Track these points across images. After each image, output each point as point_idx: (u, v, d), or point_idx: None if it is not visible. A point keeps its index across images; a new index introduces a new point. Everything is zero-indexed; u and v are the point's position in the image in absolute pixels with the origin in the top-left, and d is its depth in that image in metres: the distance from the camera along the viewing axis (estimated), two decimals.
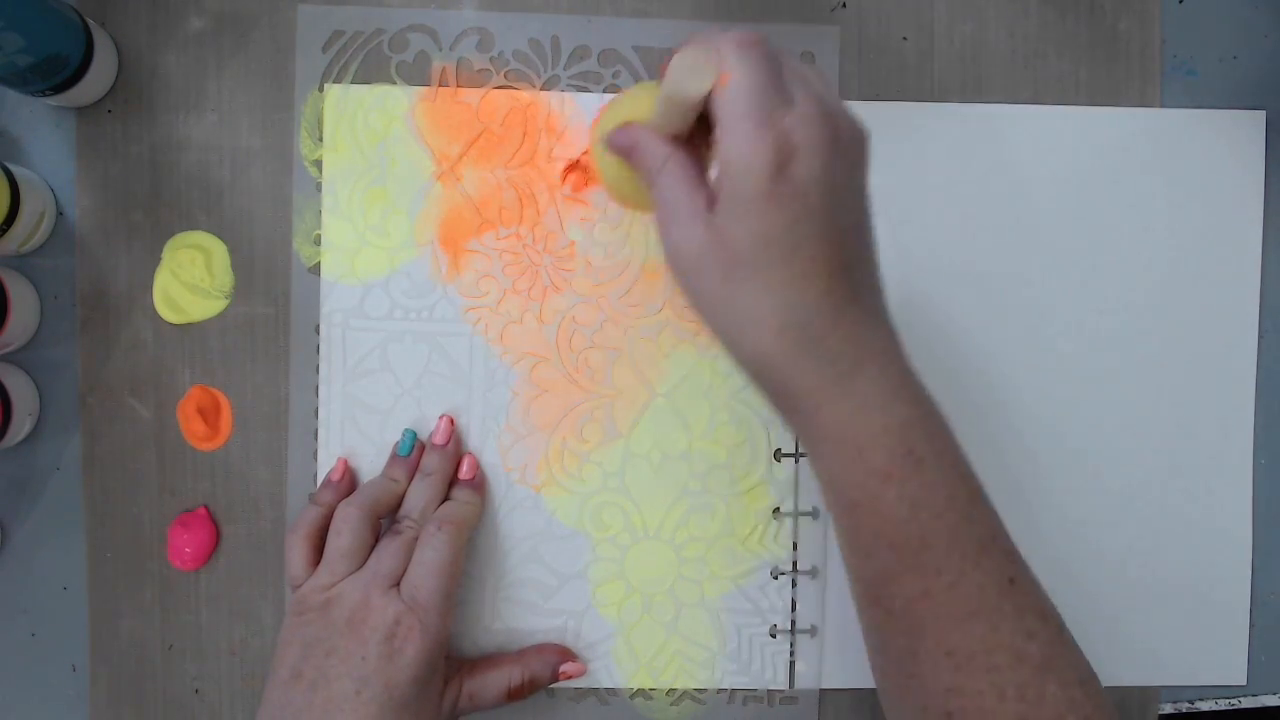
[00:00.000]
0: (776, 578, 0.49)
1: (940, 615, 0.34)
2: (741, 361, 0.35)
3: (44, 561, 0.48)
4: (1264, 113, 0.50)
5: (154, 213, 0.48)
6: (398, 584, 0.43)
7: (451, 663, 0.45)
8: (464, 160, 0.48)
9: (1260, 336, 0.50)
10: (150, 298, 0.48)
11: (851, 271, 0.34)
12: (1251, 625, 0.50)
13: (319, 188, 0.48)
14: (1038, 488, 0.49)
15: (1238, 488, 0.50)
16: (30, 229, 0.46)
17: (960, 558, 0.34)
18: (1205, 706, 0.50)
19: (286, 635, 0.42)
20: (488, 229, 0.48)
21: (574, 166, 0.48)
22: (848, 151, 0.34)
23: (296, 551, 0.44)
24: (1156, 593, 0.50)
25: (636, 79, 0.48)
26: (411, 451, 0.47)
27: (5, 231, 0.44)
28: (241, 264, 0.48)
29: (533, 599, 0.48)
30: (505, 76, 0.48)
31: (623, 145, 0.37)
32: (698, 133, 0.35)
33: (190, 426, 0.48)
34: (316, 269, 0.48)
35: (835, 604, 0.49)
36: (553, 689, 0.49)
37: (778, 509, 0.49)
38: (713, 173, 0.34)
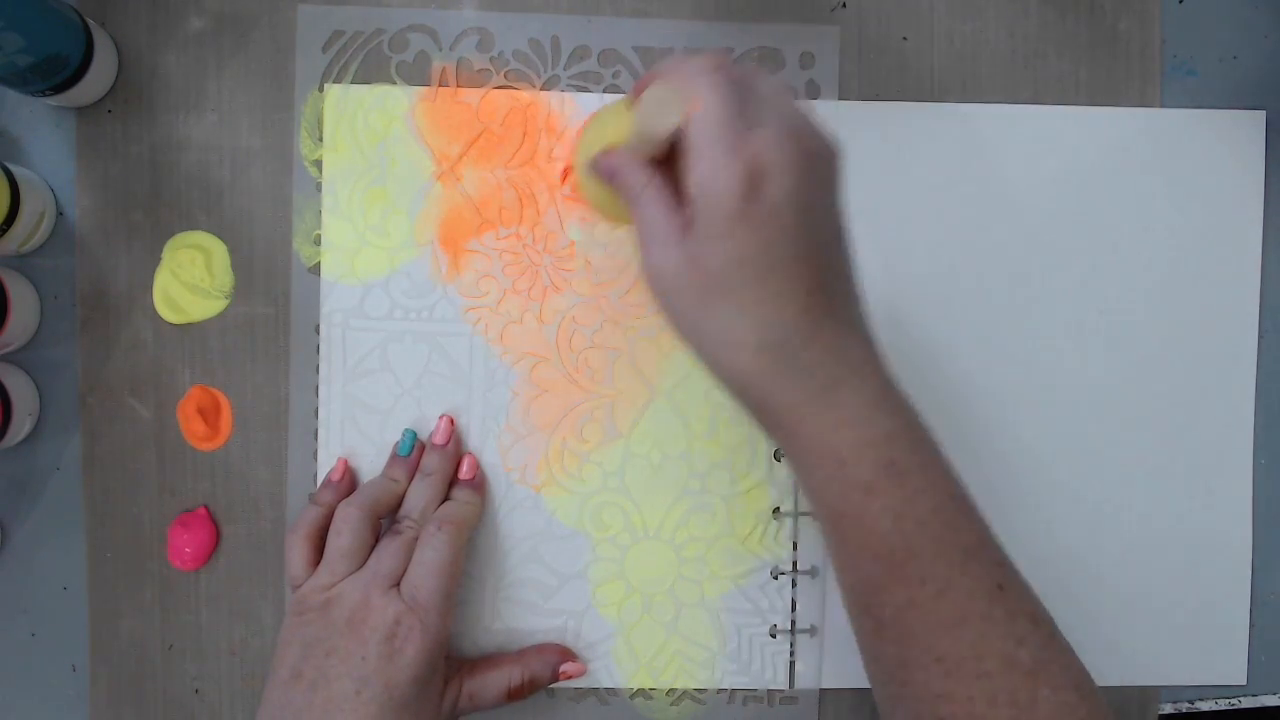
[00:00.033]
0: (776, 578, 0.49)
1: (928, 623, 0.34)
2: (722, 380, 0.36)
3: (44, 561, 0.48)
4: (1264, 113, 0.50)
5: (154, 213, 0.48)
6: (398, 584, 0.43)
7: (451, 663, 0.45)
8: (464, 160, 0.48)
9: (1260, 336, 0.50)
10: (150, 298, 0.48)
11: (828, 287, 0.35)
12: (1251, 625, 0.50)
13: (319, 188, 0.48)
14: (1037, 488, 0.49)
15: (1238, 488, 0.50)
16: (30, 229, 0.46)
17: (946, 566, 0.34)
18: (1205, 706, 0.50)
19: (286, 635, 0.42)
20: (488, 229, 0.48)
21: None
22: (819, 169, 0.35)
23: (296, 551, 0.44)
24: (1157, 593, 0.50)
25: (636, 79, 0.48)
26: (411, 451, 0.47)
27: (5, 231, 0.44)
28: (241, 264, 0.48)
29: (533, 599, 0.48)
30: (505, 76, 0.48)
31: (605, 171, 0.38)
32: (676, 154, 0.36)
33: (190, 426, 0.48)
34: (316, 269, 0.48)
35: (835, 604, 0.49)
36: (553, 689, 0.49)
37: (778, 509, 0.49)
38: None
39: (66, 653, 0.49)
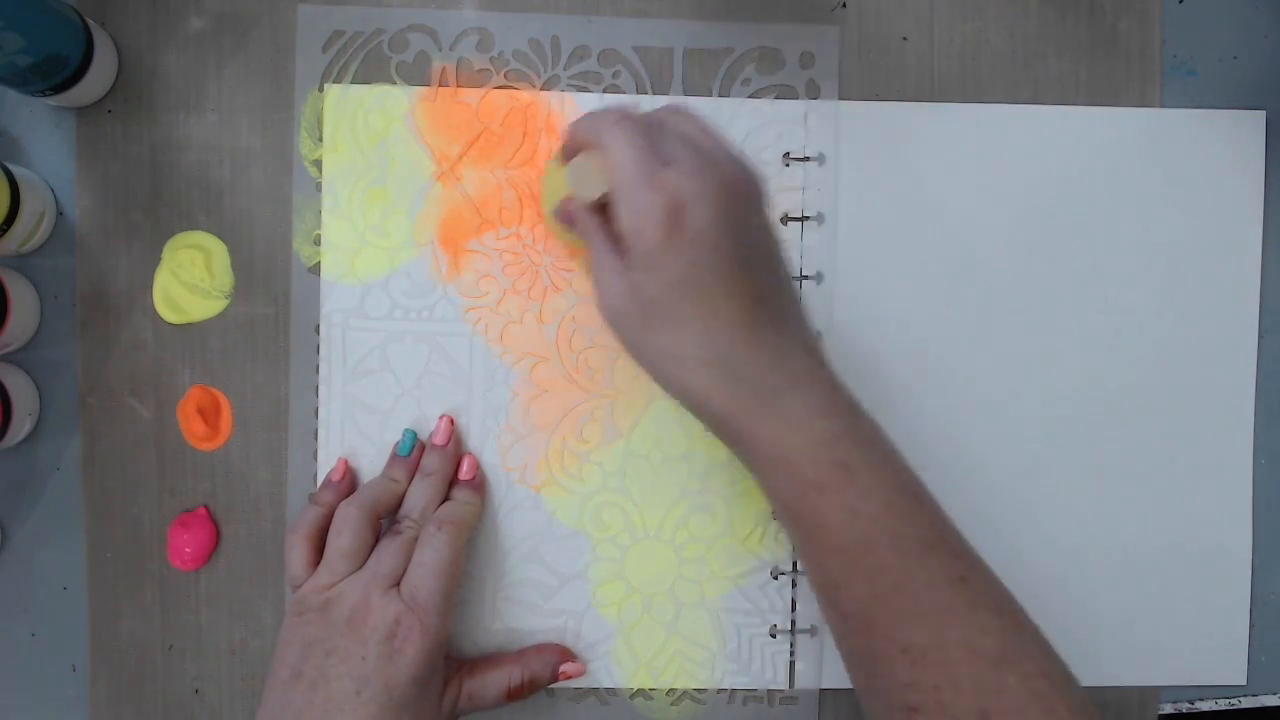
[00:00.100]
0: (776, 578, 0.49)
1: (891, 615, 0.36)
2: (676, 397, 0.38)
3: (44, 561, 0.48)
4: (1264, 113, 0.50)
5: (154, 213, 0.48)
6: (398, 584, 0.43)
7: (451, 663, 0.45)
8: (464, 160, 0.48)
9: (1260, 336, 0.50)
10: (150, 298, 0.48)
11: (765, 301, 0.37)
12: (1251, 625, 0.50)
13: (319, 188, 0.48)
14: (1037, 487, 0.49)
15: (1238, 488, 0.50)
16: (30, 229, 0.46)
17: (903, 559, 0.36)
18: (1205, 706, 0.50)
19: (286, 635, 0.42)
20: (488, 229, 0.48)
21: None
22: (740, 193, 0.38)
23: (296, 551, 0.44)
24: (1156, 592, 0.50)
25: (636, 79, 0.48)
26: (411, 451, 0.47)
27: (5, 231, 0.44)
28: (241, 264, 0.48)
29: (533, 599, 0.48)
30: (505, 76, 0.48)
31: (563, 218, 0.42)
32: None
33: (190, 426, 0.48)
34: (316, 269, 0.48)
35: None
36: (553, 689, 0.49)
37: None
38: None
39: (66, 653, 0.49)
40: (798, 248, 0.49)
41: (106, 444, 0.48)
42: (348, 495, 0.46)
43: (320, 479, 0.48)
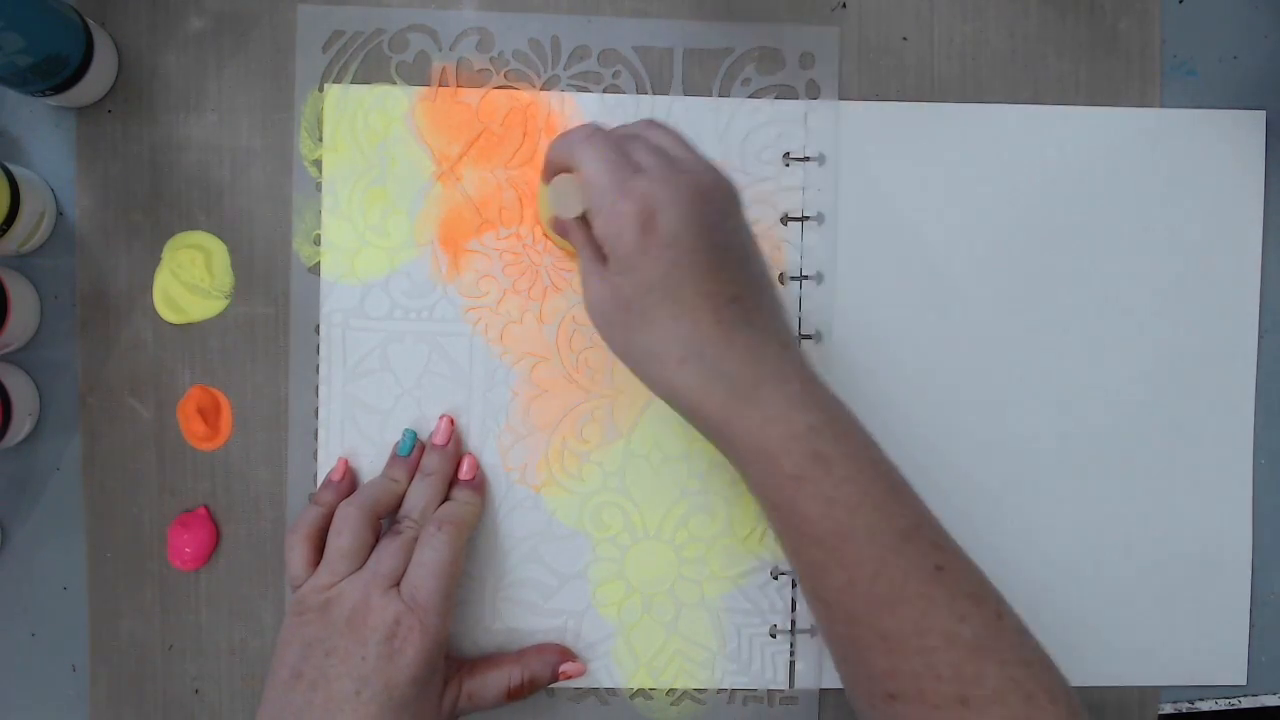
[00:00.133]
0: (776, 578, 0.49)
1: (869, 603, 0.36)
2: (658, 394, 0.39)
3: (44, 561, 0.48)
4: (1264, 113, 0.50)
5: (154, 213, 0.48)
6: (398, 584, 0.43)
7: (451, 663, 0.45)
8: (464, 160, 0.48)
9: (1260, 336, 0.50)
10: (150, 298, 0.48)
11: (740, 300, 0.38)
12: (1251, 625, 0.50)
13: (319, 188, 0.48)
14: (1036, 486, 0.49)
15: (1238, 488, 0.50)
16: (30, 229, 0.46)
17: (880, 548, 0.36)
18: (1205, 706, 0.50)
19: (286, 635, 0.42)
20: (488, 229, 0.48)
21: None
22: (711, 197, 0.39)
23: (296, 551, 0.44)
24: (1156, 592, 0.50)
25: (636, 79, 0.48)
26: (411, 451, 0.47)
27: (5, 231, 0.44)
28: (241, 264, 0.48)
29: (533, 599, 0.48)
30: (505, 76, 0.48)
31: (557, 230, 0.44)
32: None
33: (190, 426, 0.48)
34: (316, 269, 0.48)
35: None
36: (553, 689, 0.49)
37: None
38: None
39: (66, 653, 0.49)
40: (798, 248, 0.49)
41: (106, 444, 0.48)
42: (348, 495, 0.46)
43: (320, 479, 0.48)
